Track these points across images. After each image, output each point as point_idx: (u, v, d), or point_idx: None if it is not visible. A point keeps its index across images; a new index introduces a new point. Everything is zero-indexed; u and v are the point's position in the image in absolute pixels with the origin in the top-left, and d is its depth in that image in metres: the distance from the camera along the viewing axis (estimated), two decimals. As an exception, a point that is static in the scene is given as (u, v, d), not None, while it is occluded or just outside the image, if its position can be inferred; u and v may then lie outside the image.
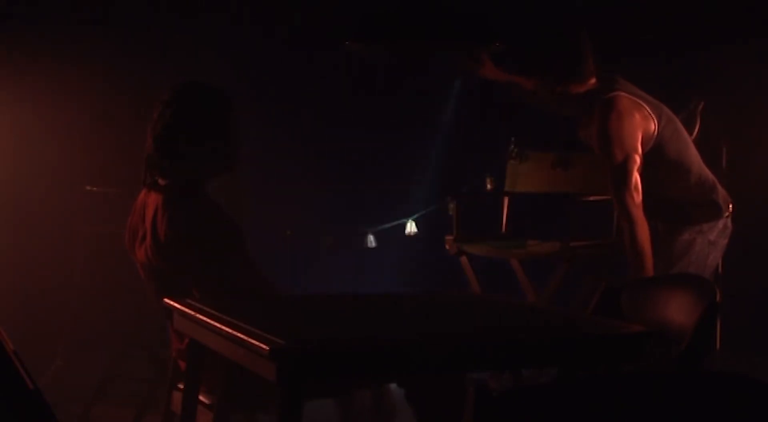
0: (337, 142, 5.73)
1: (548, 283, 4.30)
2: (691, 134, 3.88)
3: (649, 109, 3.60)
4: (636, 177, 3.56)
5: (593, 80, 3.67)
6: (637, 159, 3.56)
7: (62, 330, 4.78)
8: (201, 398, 2.81)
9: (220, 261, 2.87)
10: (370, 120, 5.71)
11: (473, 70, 3.99)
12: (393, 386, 2.98)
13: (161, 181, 2.98)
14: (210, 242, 2.87)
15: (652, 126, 3.60)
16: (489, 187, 4.73)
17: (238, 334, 2.20)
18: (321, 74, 5.55)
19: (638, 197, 3.55)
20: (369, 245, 5.72)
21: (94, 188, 4.87)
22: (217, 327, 2.31)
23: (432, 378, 2.88)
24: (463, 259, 4.52)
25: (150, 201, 2.98)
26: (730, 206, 3.76)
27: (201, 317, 2.44)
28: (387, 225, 5.75)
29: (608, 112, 3.57)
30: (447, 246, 4.56)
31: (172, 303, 2.64)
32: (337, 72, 5.47)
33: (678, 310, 2.65)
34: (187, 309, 2.55)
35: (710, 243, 3.70)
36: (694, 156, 3.73)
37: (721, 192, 3.75)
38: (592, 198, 4.31)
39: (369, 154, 5.77)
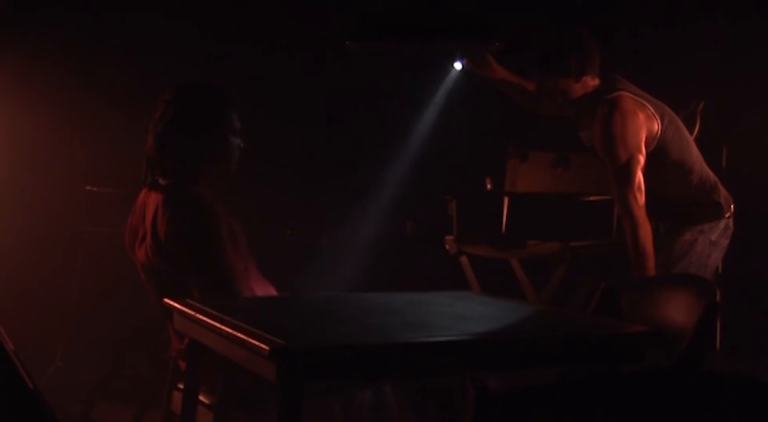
0: (337, 141, 5.72)
1: (548, 283, 4.29)
2: (691, 134, 3.88)
3: (652, 109, 3.60)
4: (639, 177, 3.54)
5: (596, 81, 3.66)
6: (641, 159, 3.55)
7: (62, 330, 4.77)
8: (201, 398, 2.81)
9: (220, 262, 2.87)
10: (370, 119, 5.71)
11: (478, 71, 3.97)
12: (393, 386, 2.98)
13: (161, 181, 2.98)
14: (210, 242, 2.87)
15: (656, 126, 3.59)
16: (489, 187, 4.72)
17: (238, 334, 2.20)
18: (321, 73, 5.54)
19: (641, 198, 3.54)
20: (368, 245, 5.71)
21: (94, 188, 4.87)
22: (217, 327, 2.31)
23: (432, 378, 2.87)
24: (463, 259, 4.51)
25: (150, 201, 2.98)
26: (732, 206, 3.76)
27: (201, 317, 2.44)
28: (386, 225, 5.74)
29: (611, 112, 3.56)
30: (447, 246, 4.55)
31: (172, 303, 2.64)
32: (336, 71, 5.47)
33: (678, 310, 2.65)
34: (187, 309, 2.55)
35: (711, 243, 3.70)
36: (695, 156, 3.72)
37: (723, 192, 3.75)
38: (592, 198, 4.30)
39: (368, 153, 5.76)
